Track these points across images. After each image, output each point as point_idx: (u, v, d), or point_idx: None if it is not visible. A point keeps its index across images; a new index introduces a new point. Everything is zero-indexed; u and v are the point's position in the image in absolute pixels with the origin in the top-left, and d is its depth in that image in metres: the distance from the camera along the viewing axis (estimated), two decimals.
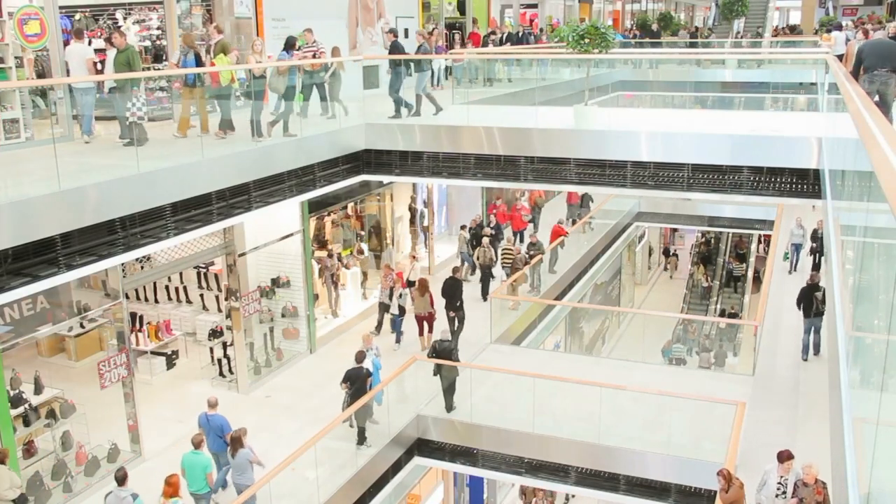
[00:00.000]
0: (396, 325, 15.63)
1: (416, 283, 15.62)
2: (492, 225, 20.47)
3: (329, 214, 17.05)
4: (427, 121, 13.31)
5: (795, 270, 19.50)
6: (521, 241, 20.56)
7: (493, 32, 22.81)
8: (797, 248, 19.80)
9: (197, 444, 9.83)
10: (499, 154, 12.42)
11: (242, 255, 13.39)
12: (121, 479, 9.13)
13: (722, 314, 28.58)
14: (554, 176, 12.30)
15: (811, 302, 14.05)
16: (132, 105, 10.10)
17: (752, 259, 28.78)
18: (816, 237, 18.57)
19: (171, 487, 9.17)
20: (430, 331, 15.19)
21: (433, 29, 20.16)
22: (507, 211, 21.94)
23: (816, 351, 14.21)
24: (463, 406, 12.34)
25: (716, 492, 9.14)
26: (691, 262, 31.63)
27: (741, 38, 34.54)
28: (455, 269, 16.37)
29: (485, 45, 21.60)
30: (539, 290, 18.09)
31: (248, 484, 9.72)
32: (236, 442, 9.94)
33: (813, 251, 18.80)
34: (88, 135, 10.44)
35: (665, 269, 33.60)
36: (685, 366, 17.80)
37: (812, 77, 19.99)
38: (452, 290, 15.24)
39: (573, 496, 17.59)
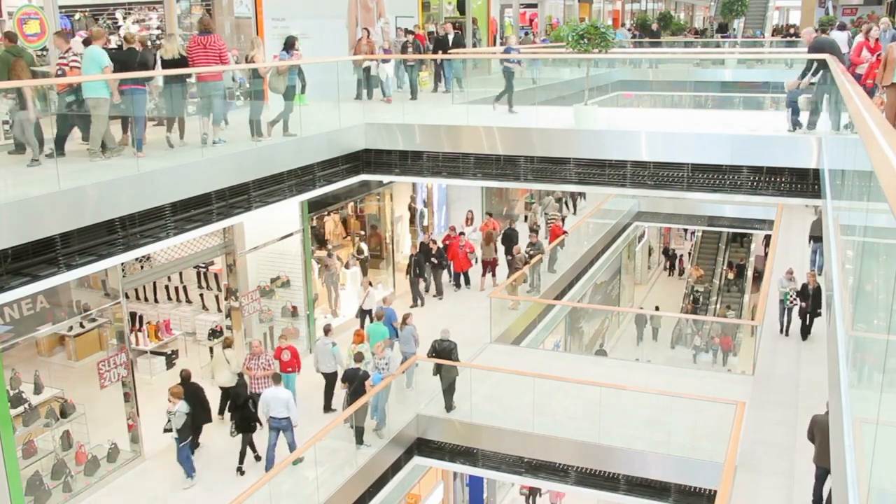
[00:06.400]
0: (181, 455, 10.87)
1: (483, 235, 18.65)
2: (434, 252, 17.83)
3: (329, 214, 17.05)
4: (427, 120, 13.30)
5: (787, 335, 15.63)
6: (467, 283, 18.55)
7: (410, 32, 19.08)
8: (783, 303, 15.75)
9: (378, 317, 13.78)
10: (499, 154, 12.42)
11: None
12: (326, 330, 12.90)
13: (730, 266, 30.13)
14: (554, 176, 12.30)
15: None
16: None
17: (752, 259, 28.89)
18: (806, 294, 15.13)
19: (359, 337, 12.75)
20: (494, 274, 18.57)
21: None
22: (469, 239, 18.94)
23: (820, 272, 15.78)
24: (463, 406, 12.34)
25: (715, 491, 9.13)
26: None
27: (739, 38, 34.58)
28: (511, 220, 20.67)
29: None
30: (539, 289, 18.10)
31: (412, 352, 13.05)
32: (404, 320, 13.38)
33: (803, 312, 15.30)
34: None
35: (665, 269, 33.36)
36: (687, 364, 17.84)
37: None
38: (510, 238, 19.48)
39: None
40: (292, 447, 11.01)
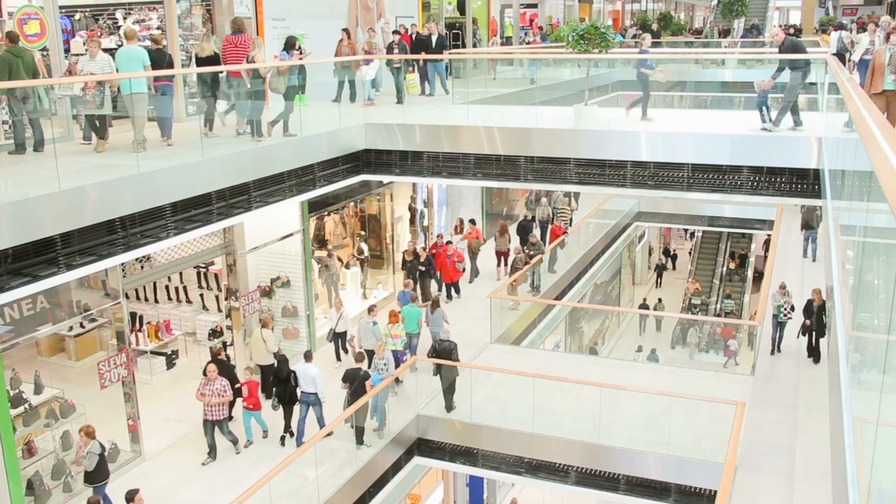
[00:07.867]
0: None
1: (498, 227, 19.57)
2: (422, 259, 17.18)
3: (329, 214, 17.04)
4: (427, 120, 13.30)
5: (779, 351, 14.84)
6: (458, 292, 17.89)
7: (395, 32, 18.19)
8: (776, 318, 14.89)
9: (412, 299, 14.47)
10: (499, 154, 12.42)
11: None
12: (369, 309, 13.83)
13: (731, 256, 30.26)
14: (554, 176, 12.30)
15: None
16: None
17: (752, 259, 28.91)
18: (811, 311, 14.01)
19: (394, 317, 13.41)
20: (507, 264, 18.83)
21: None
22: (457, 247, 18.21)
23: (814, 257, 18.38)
24: (463, 406, 12.34)
25: (715, 491, 9.13)
26: None
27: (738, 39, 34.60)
28: (525, 217, 21.63)
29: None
30: (539, 289, 18.09)
31: (440, 331, 13.65)
32: (434, 304, 14.26)
33: (807, 329, 14.31)
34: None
35: (655, 284, 31.47)
36: (686, 363, 17.81)
37: (812, 77, 19.91)
38: (524, 230, 20.13)
39: None
40: (320, 422, 11.65)
